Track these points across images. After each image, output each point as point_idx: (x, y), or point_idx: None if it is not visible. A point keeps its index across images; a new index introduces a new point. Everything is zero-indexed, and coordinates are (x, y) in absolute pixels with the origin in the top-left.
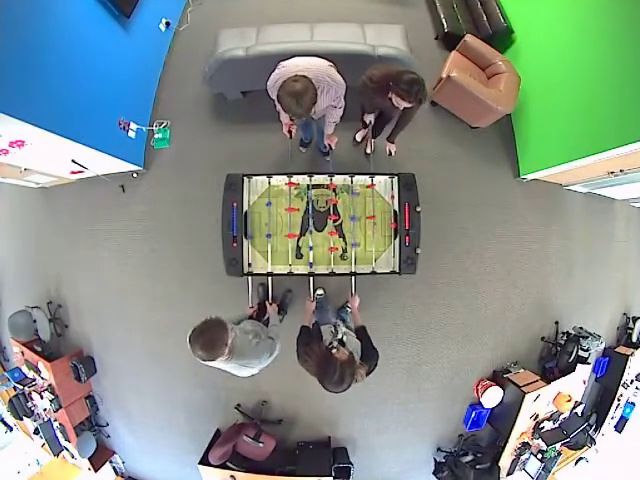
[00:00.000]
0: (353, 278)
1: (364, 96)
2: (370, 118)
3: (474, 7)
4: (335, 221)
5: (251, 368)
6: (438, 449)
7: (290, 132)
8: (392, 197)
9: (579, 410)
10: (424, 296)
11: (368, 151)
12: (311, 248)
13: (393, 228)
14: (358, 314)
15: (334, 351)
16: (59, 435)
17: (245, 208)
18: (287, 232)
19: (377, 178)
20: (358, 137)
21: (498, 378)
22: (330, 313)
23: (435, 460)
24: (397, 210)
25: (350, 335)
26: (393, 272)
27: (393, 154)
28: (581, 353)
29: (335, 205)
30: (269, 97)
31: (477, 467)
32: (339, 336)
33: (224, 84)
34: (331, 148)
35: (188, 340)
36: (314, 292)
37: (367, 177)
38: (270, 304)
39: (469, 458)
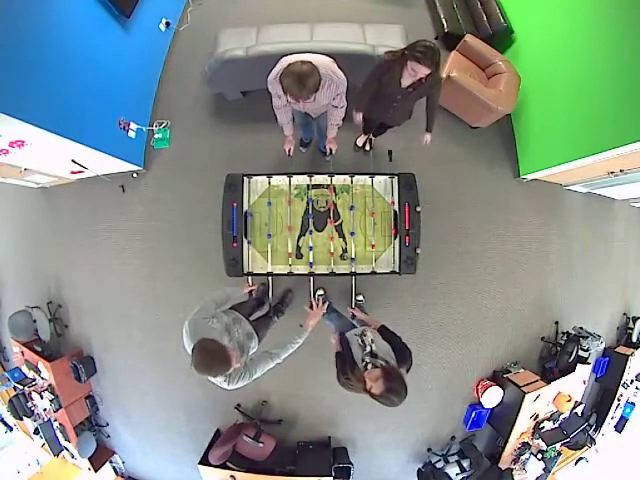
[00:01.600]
0: (353, 278)
1: (376, 75)
2: (359, 117)
3: (474, 7)
4: (335, 222)
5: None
6: (428, 449)
7: (289, 150)
8: (392, 203)
9: (579, 410)
10: (424, 296)
11: (367, 148)
12: (311, 248)
13: (393, 233)
14: (370, 319)
15: (369, 367)
16: (59, 435)
17: (245, 208)
18: (287, 228)
19: (377, 178)
20: (359, 142)
21: (498, 378)
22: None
23: (419, 470)
24: (397, 210)
25: (378, 339)
26: (393, 272)
27: (428, 143)
28: (581, 353)
29: (335, 206)
30: (268, 93)
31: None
32: (368, 349)
33: (224, 84)
34: (331, 152)
35: (194, 367)
36: (314, 292)
37: (367, 177)
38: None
39: (456, 470)
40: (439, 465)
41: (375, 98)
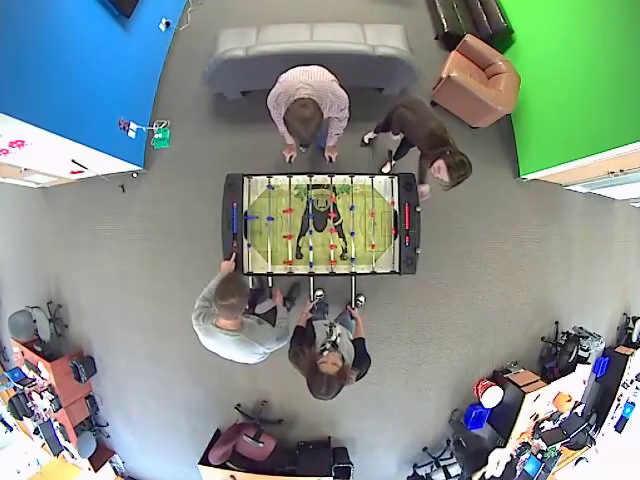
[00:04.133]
0: (353, 278)
1: (412, 132)
2: (398, 138)
3: (474, 7)
4: (335, 220)
5: (258, 349)
6: (424, 449)
7: (291, 157)
8: (392, 203)
9: (579, 410)
10: (424, 296)
11: (385, 170)
12: (311, 248)
13: (393, 233)
14: (361, 326)
15: (325, 353)
16: (59, 435)
17: (245, 208)
18: (286, 233)
19: (377, 178)
20: (366, 139)
21: (498, 378)
22: (326, 313)
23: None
24: (397, 210)
25: (345, 337)
26: (393, 272)
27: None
28: (581, 353)
29: (335, 204)
30: (267, 110)
31: None
32: (333, 338)
33: (224, 84)
34: (331, 160)
35: (217, 295)
36: (314, 292)
37: (367, 177)
38: (276, 294)
39: (441, 476)
40: (422, 472)
41: (409, 139)
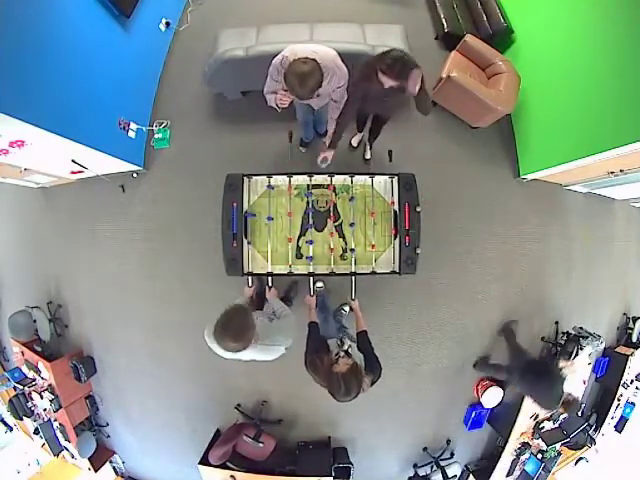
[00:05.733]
0: (353, 278)
1: (355, 85)
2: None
3: (474, 7)
4: (335, 221)
5: (279, 346)
6: (424, 449)
7: (278, 106)
8: (392, 203)
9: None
10: (424, 296)
11: (367, 157)
12: (311, 242)
13: (393, 233)
14: (361, 318)
15: (340, 360)
16: (59, 435)
17: (245, 208)
18: (288, 234)
19: (377, 178)
20: (354, 142)
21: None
22: (333, 325)
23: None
24: (397, 210)
25: (355, 350)
26: (393, 272)
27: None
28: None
29: (335, 205)
30: (265, 78)
31: None
32: (345, 347)
33: (224, 84)
34: (326, 160)
35: (213, 335)
36: (314, 285)
37: (367, 177)
38: (269, 289)
39: (439, 478)
40: (423, 473)
41: (365, 99)
